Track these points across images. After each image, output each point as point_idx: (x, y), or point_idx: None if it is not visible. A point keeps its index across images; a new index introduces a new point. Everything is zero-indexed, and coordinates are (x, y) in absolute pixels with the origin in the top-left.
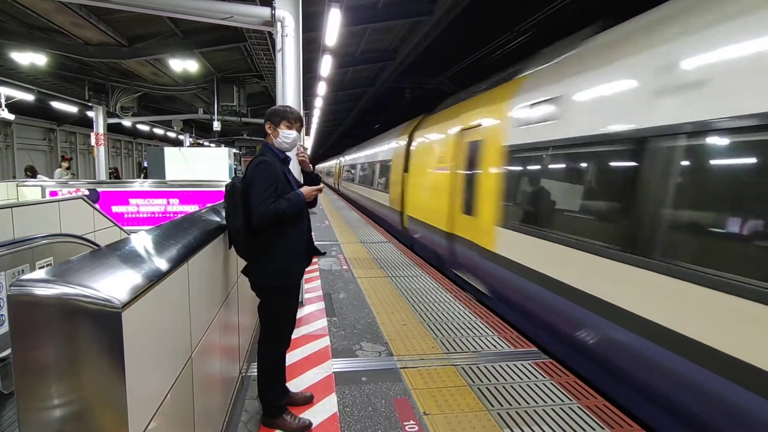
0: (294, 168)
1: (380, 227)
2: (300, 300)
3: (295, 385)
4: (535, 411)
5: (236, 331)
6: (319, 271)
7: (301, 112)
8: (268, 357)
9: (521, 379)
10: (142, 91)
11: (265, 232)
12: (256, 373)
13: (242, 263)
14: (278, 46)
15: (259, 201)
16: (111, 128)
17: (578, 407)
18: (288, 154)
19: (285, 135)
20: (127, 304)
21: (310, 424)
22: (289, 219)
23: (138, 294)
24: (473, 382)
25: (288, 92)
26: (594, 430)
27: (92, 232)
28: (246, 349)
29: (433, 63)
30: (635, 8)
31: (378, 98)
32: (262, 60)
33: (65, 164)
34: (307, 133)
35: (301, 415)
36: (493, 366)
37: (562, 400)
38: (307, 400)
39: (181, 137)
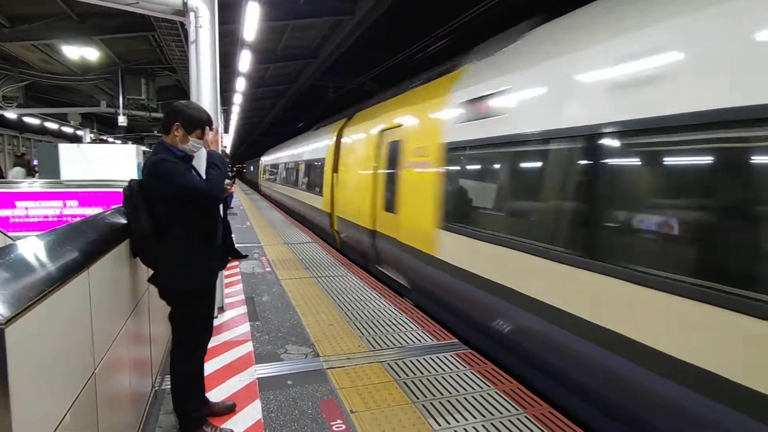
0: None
1: (307, 229)
2: (220, 305)
3: (216, 394)
4: (456, 399)
5: (148, 343)
6: (240, 274)
7: (219, 109)
8: (183, 367)
9: (444, 370)
10: (28, 79)
11: (171, 233)
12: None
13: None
14: (191, 37)
15: (194, 182)
16: None
17: (495, 392)
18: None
19: (195, 144)
20: (11, 319)
21: None
22: (196, 215)
23: (25, 307)
24: (399, 376)
25: (203, 88)
26: (509, 411)
27: None
28: (159, 361)
29: (356, 63)
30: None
31: (301, 96)
32: (173, 51)
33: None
34: (226, 131)
35: (223, 426)
36: (417, 360)
37: (481, 387)
38: (228, 409)
39: (79, 133)
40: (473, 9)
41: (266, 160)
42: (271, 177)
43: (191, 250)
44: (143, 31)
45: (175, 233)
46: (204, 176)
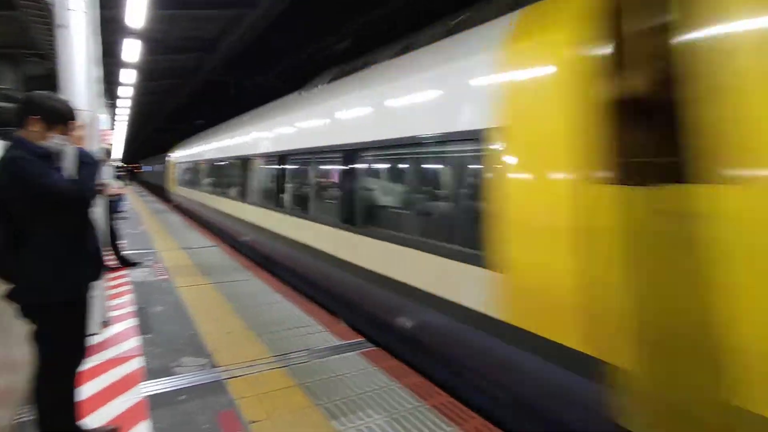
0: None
1: (209, 232)
2: (104, 319)
3: (96, 419)
4: (360, 397)
5: (2, 370)
6: (130, 284)
7: (98, 103)
8: (49, 394)
9: (349, 369)
10: None
11: (32, 240)
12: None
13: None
14: (60, 20)
15: (59, 183)
16: None
17: (397, 386)
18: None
19: (59, 141)
20: None
21: None
22: (61, 219)
23: None
24: (302, 380)
25: (77, 79)
26: (411, 404)
27: None
28: (20, 390)
29: (260, 59)
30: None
31: (203, 90)
32: (44, 36)
33: None
34: (112, 127)
35: None
36: (322, 361)
37: (385, 383)
38: None
39: None
40: (378, 7)
41: (188, 154)
42: (207, 185)
43: (57, 258)
44: (2, 9)
45: (36, 240)
46: (71, 176)
